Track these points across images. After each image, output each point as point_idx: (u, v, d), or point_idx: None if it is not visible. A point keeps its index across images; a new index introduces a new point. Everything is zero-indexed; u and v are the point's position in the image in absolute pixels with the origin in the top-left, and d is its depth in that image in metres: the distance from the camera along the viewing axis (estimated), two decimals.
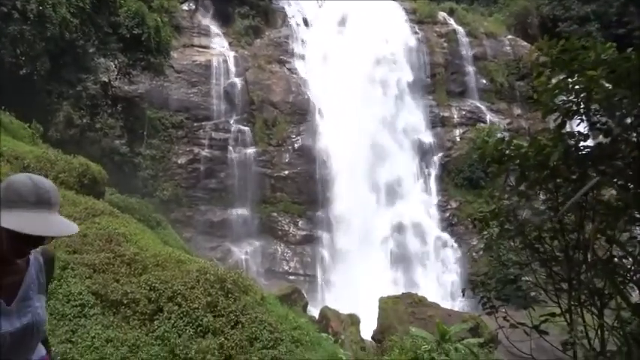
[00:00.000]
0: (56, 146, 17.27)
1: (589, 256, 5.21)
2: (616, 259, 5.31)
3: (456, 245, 28.39)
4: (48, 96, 21.27)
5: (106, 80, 25.21)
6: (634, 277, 5.09)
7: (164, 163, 28.63)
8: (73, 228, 2.31)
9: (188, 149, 29.52)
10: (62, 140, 21.18)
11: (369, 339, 19.03)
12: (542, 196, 5.57)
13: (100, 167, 18.49)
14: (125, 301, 10.18)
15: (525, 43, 35.75)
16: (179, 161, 29.09)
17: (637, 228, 5.35)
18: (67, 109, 22.31)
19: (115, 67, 24.63)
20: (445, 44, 34.91)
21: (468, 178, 29.64)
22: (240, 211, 28.81)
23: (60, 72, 20.90)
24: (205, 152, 29.50)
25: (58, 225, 2.20)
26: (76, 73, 21.64)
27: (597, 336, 4.45)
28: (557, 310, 5.40)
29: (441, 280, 26.78)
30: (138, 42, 23.01)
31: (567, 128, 4.51)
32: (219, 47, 32.55)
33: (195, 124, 30.10)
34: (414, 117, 31.67)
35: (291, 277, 27.08)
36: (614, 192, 5.19)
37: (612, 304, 4.77)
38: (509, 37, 36.75)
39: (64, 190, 14.21)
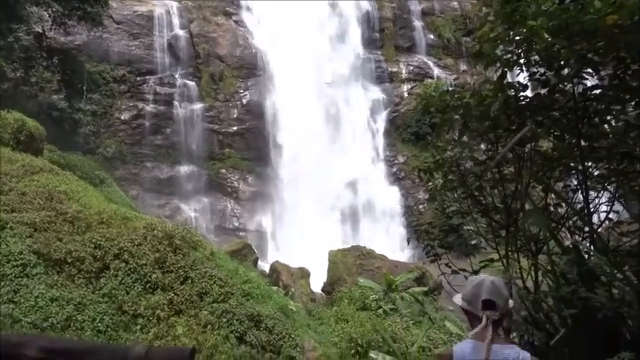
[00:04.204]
0: None
1: (526, 204, 5.46)
2: (551, 207, 5.61)
3: (403, 199, 29.08)
4: None
5: (40, 31, 23.65)
6: (566, 224, 5.39)
7: (106, 119, 27.57)
8: None
9: (131, 104, 28.50)
10: None
11: (319, 291, 19.48)
12: (483, 147, 5.75)
13: (37, 123, 17.68)
14: (69, 260, 9.95)
15: None
16: (122, 117, 28.09)
17: (571, 177, 5.63)
18: None
19: (49, 16, 23.06)
20: None
21: (415, 133, 30.13)
22: (188, 168, 28.33)
23: None
24: (150, 108, 28.57)
25: None
26: (7, 23, 20.18)
27: (531, 277, 4.73)
28: (496, 256, 5.68)
29: (388, 233, 27.49)
30: None
31: (508, 80, 4.63)
32: None
33: (138, 79, 28.97)
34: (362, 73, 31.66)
35: (242, 234, 27.12)
36: (550, 143, 5.42)
37: (546, 249, 5.06)
38: None
39: None
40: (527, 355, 2.60)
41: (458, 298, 2.87)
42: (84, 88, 25.44)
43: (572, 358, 3.18)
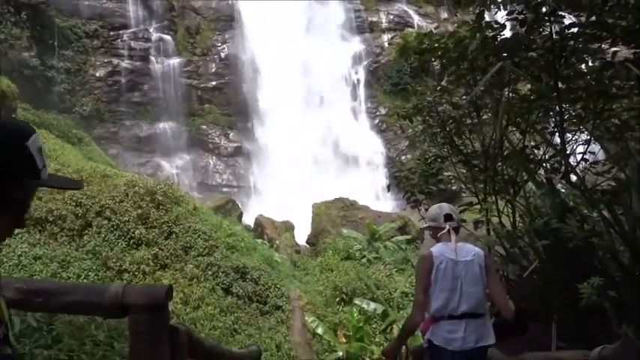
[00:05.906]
0: None
1: (504, 148, 5.51)
2: (528, 149, 5.67)
3: (385, 150, 29.14)
4: None
5: None
6: (544, 165, 5.47)
7: (81, 76, 26.80)
8: None
9: (106, 61, 27.71)
10: None
11: (304, 243, 19.72)
12: (461, 91, 5.75)
13: (9, 81, 17.19)
14: (51, 219, 9.90)
15: None
16: (97, 74, 27.33)
17: (549, 119, 5.67)
18: None
19: None
20: None
21: (396, 84, 29.87)
22: (168, 125, 27.90)
23: None
24: (125, 63, 27.83)
25: None
26: None
27: (508, 218, 4.83)
28: (474, 200, 5.77)
29: (371, 184, 27.65)
30: None
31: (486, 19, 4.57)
32: None
33: (111, 33, 28.07)
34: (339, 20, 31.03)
35: (225, 190, 27.07)
36: (529, 86, 5.42)
37: (522, 193, 5.15)
38: None
39: None
40: (480, 250, 3.51)
41: (423, 223, 3.74)
42: (55, 44, 24.67)
43: (544, 288, 3.29)
